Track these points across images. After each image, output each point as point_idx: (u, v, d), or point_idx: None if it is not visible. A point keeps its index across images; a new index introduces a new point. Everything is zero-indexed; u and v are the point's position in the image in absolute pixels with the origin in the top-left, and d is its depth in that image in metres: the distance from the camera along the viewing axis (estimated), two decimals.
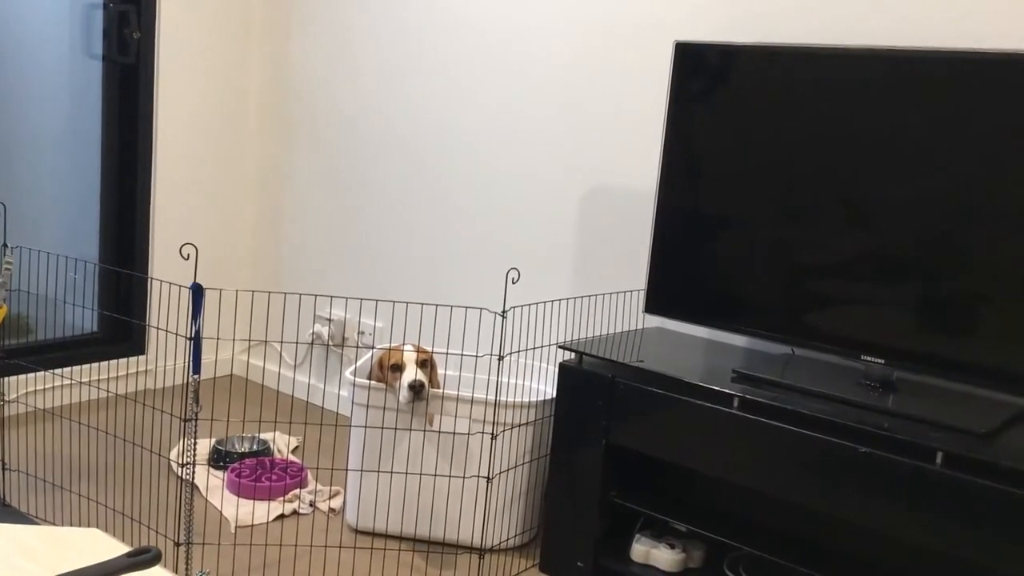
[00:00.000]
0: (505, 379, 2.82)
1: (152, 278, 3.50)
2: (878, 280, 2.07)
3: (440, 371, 2.77)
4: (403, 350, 2.48)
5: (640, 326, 2.70)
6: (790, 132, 2.16)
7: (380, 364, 2.51)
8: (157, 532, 2.47)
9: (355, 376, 2.50)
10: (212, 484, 2.79)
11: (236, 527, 2.56)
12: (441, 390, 2.50)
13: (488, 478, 2.45)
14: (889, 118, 2.03)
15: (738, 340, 2.53)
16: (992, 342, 1.94)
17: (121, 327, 3.54)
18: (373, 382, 2.48)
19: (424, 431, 2.46)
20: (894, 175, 2.03)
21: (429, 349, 2.58)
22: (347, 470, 2.61)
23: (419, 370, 2.42)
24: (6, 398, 3.16)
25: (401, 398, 2.41)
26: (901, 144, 2.02)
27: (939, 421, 1.92)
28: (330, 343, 3.49)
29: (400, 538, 2.56)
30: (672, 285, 2.37)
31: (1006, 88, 1.89)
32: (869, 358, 2.09)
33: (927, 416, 1.94)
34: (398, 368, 2.45)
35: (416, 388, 2.38)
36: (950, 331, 1.99)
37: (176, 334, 2.52)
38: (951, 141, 1.96)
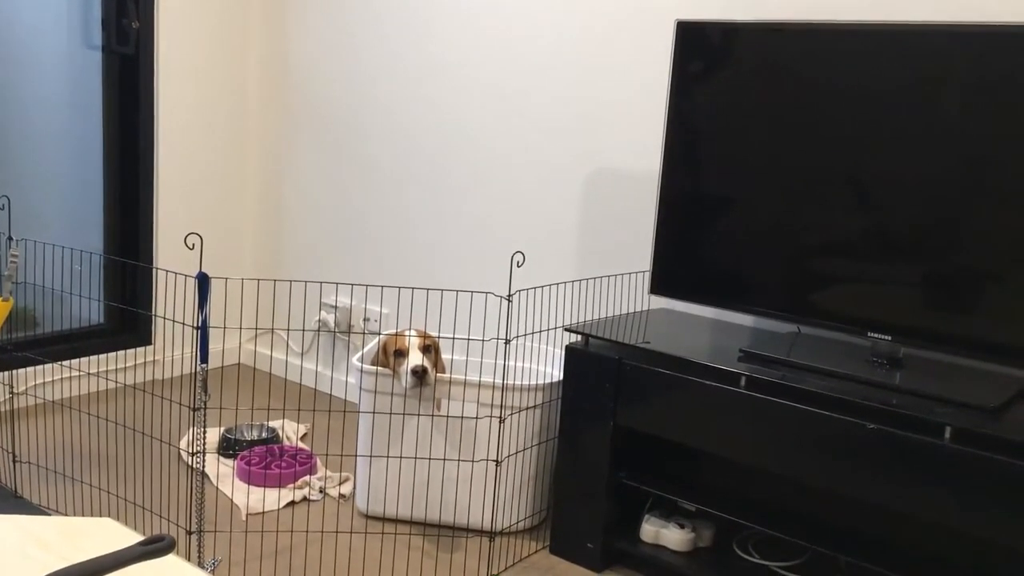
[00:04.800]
0: (512, 363, 2.82)
1: (157, 268, 3.50)
2: (884, 256, 2.06)
3: (447, 356, 2.77)
4: (407, 336, 2.48)
5: (646, 307, 2.70)
6: (794, 110, 2.15)
7: (384, 350, 2.51)
8: (168, 521, 2.48)
9: (362, 362, 2.50)
10: (222, 472, 2.80)
11: (247, 514, 2.57)
12: (448, 375, 2.50)
13: (497, 461, 2.45)
14: (894, 94, 2.01)
15: (744, 319, 2.52)
16: (999, 316, 1.93)
17: (127, 318, 3.55)
18: (379, 368, 2.48)
19: (432, 416, 2.47)
20: (900, 152, 2.02)
21: (434, 334, 2.58)
22: (356, 456, 2.62)
23: (423, 356, 2.43)
24: (15, 390, 3.17)
25: (404, 384, 2.41)
26: (907, 120, 2.00)
27: (947, 396, 1.92)
28: (336, 330, 3.50)
29: (410, 523, 2.57)
30: (677, 266, 2.37)
31: (1013, 62, 1.88)
32: (876, 335, 2.09)
33: (935, 392, 1.94)
34: (401, 354, 2.45)
35: (419, 374, 2.39)
36: (957, 306, 1.98)
37: (183, 323, 2.53)
38: (957, 117, 1.95)
